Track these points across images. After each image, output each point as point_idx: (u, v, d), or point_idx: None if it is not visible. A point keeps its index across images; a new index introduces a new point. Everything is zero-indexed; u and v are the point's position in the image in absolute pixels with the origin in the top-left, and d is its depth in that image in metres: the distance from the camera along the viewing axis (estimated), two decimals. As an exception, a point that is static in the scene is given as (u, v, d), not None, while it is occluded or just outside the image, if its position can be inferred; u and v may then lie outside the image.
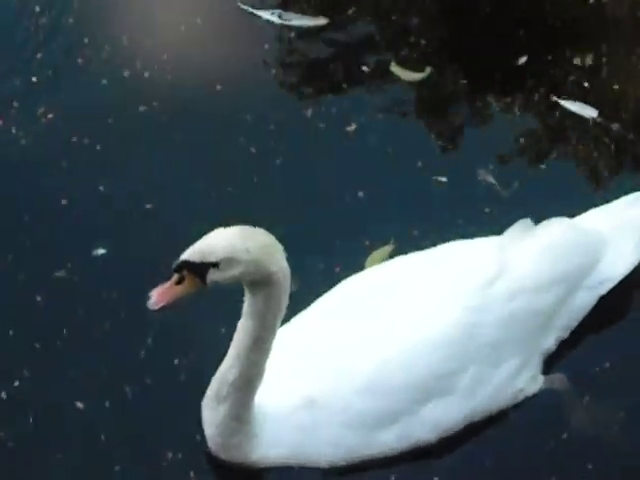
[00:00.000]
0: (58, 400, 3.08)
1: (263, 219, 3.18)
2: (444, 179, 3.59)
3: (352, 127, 3.74)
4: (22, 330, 3.24)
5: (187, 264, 2.57)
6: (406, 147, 3.66)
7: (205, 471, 2.99)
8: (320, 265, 3.26)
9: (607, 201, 3.22)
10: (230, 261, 2.54)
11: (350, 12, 4.14)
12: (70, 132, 3.72)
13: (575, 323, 3.07)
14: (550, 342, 3.02)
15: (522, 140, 3.77)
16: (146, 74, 3.91)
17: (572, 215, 3.16)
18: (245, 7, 4.06)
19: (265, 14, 4.03)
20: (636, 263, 3.15)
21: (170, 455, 2.94)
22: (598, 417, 3.05)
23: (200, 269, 2.57)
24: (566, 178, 3.59)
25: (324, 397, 2.81)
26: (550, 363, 3.08)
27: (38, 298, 3.27)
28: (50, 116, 3.79)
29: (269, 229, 2.89)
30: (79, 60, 3.97)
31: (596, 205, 3.21)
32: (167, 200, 3.53)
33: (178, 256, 2.58)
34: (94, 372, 3.09)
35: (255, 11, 4.04)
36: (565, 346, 3.11)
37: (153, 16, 4.20)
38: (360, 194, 3.54)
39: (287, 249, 2.83)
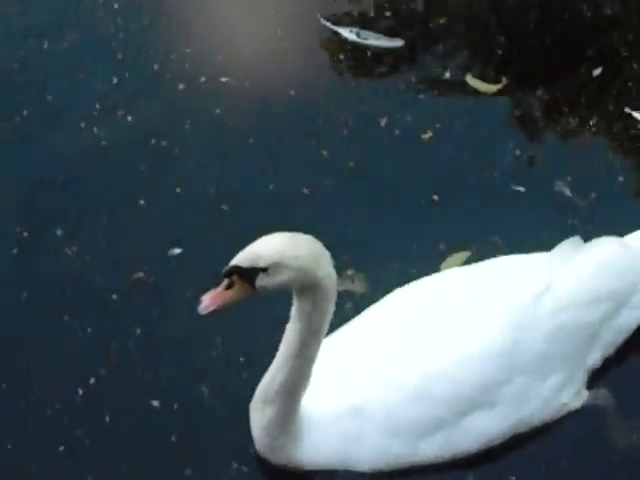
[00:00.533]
0: (133, 398, 3.19)
1: (338, 223, 3.43)
2: (521, 189, 3.59)
3: (428, 134, 3.82)
4: (99, 329, 3.34)
5: (237, 269, 2.63)
6: (482, 156, 3.72)
7: (252, 471, 3.09)
8: (396, 267, 3.35)
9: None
10: (279, 267, 2.61)
11: (426, 31, 4.30)
12: (149, 134, 3.87)
13: (620, 340, 3.14)
14: (595, 358, 3.10)
15: (597, 152, 3.74)
16: (223, 79, 4.04)
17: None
18: (326, 23, 4.23)
19: (344, 31, 4.18)
20: None
21: (223, 457, 3.05)
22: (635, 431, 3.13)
23: (249, 274, 2.64)
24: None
25: (370, 405, 2.90)
26: (595, 379, 3.16)
27: (114, 296, 3.39)
28: (129, 118, 3.93)
29: (344, 232, 2.96)
30: (157, 66, 4.13)
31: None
32: (241, 203, 3.58)
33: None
34: (168, 371, 3.20)
35: (335, 27, 4.19)
36: (610, 363, 3.18)
37: (234, 25, 4.37)
38: (435, 198, 3.61)
39: (362, 252, 2.90)
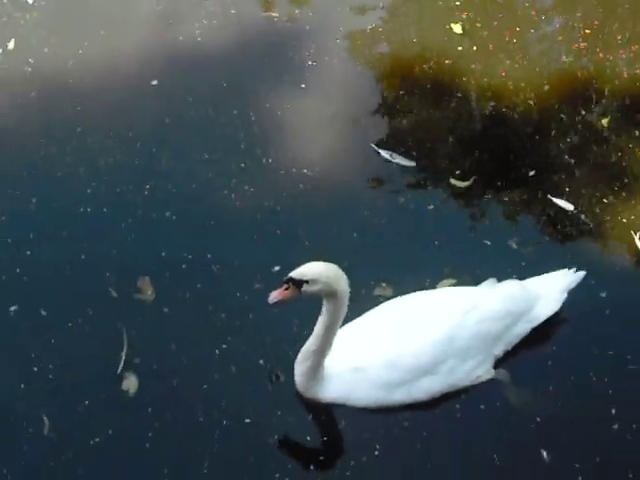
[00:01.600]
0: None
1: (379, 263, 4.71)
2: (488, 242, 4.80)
3: (431, 207, 5.06)
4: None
5: (292, 279, 3.80)
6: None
7: (294, 403, 4.18)
8: (408, 282, 4.49)
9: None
10: (315, 281, 3.79)
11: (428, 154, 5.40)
12: (264, 200, 5.06)
13: (516, 342, 4.32)
14: (499, 350, 4.28)
15: (529, 224, 4.97)
16: (293, 169, 5.20)
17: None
18: (373, 146, 5.34)
19: (384, 153, 5.31)
20: (555, 310, 4.38)
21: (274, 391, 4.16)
22: (523, 396, 4.20)
23: (298, 283, 3.81)
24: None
25: (364, 367, 4.07)
26: (498, 362, 4.29)
27: (257, 286, 4.53)
28: (252, 190, 5.13)
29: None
30: (234, 195, 5.13)
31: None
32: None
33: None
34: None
35: (378, 149, 5.31)
36: (508, 354, 4.32)
37: (297, 132, 5.43)
38: (436, 243, 4.80)
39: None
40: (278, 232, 4.98)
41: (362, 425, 4.13)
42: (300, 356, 4.10)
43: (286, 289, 3.85)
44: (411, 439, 4.09)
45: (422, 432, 4.12)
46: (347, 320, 4.16)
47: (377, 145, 5.36)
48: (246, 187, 5.17)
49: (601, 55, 5.90)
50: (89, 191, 5.14)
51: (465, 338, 4.17)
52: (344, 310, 3.98)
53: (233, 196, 5.12)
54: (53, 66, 5.78)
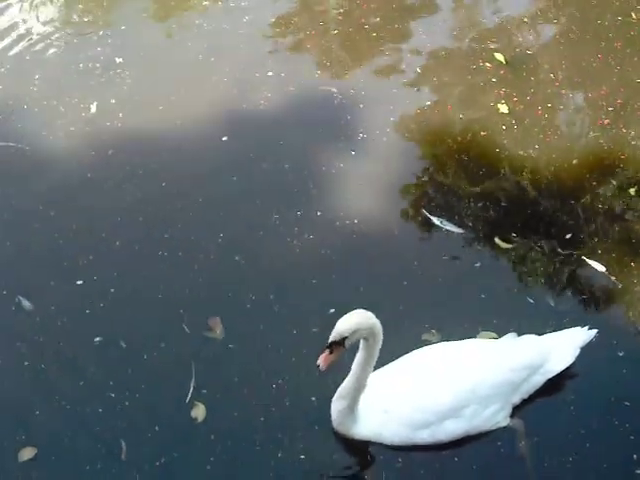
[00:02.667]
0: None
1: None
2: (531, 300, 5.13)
3: (478, 264, 5.41)
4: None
5: (334, 343, 4.05)
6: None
7: (330, 438, 4.51)
8: (452, 331, 4.83)
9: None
10: (355, 332, 4.08)
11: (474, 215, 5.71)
12: (321, 248, 5.44)
13: (533, 391, 4.58)
14: (517, 399, 4.54)
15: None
16: (347, 222, 5.58)
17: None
18: (425, 212, 5.67)
19: (435, 219, 5.62)
20: (569, 364, 4.64)
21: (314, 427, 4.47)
22: (533, 444, 4.45)
23: (341, 342, 4.09)
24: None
25: (394, 409, 4.37)
26: (515, 411, 4.57)
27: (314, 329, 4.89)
28: (311, 237, 5.53)
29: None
30: (320, 212, 5.65)
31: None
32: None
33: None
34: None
35: (429, 215, 5.64)
36: (525, 403, 4.61)
37: (350, 190, 5.84)
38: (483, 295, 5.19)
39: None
40: (334, 277, 5.38)
41: (391, 460, 4.48)
42: (337, 394, 4.39)
43: (330, 352, 4.14)
44: (433, 475, 4.45)
45: (443, 469, 4.46)
46: (389, 360, 4.56)
47: (427, 210, 5.72)
48: (306, 235, 5.58)
49: (624, 130, 6.25)
50: (166, 236, 5.61)
51: (487, 387, 4.46)
52: (379, 346, 4.28)
53: (295, 242, 5.54)
54: (132, 125, 6.29)
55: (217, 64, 6.67)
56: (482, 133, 6.19)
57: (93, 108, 6.38)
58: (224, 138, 6.21)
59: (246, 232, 5.63)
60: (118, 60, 6.76)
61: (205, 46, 6.85)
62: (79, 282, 5.35)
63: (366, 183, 5.89)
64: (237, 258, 5.50)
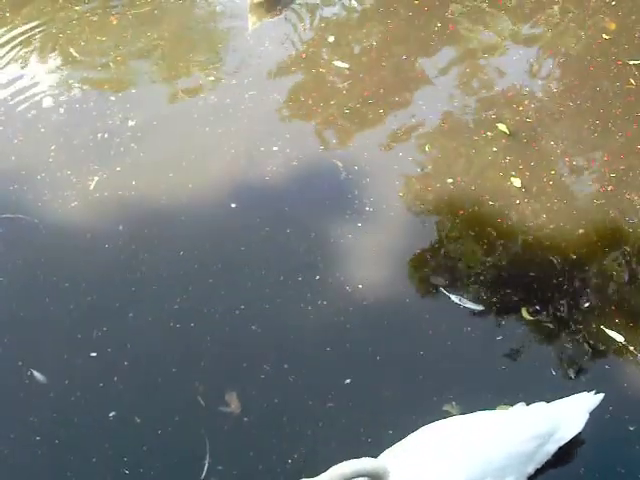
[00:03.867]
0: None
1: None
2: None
3: (500, 337, 5.45)
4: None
5: None
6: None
7: None
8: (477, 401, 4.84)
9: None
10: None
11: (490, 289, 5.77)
12: (334, 315, 5.49)
13: (545, 459, 4.63)
14: (531, 469, 4.61)
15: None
16: (360, 286, 5.63)
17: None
18: (443, 290, 5.68)
19: (454, 297, 5.64)
20: (579, 430, 4.69)
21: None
22: None
23: None
24: None
25: None
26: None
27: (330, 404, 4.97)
28: (325, 303, 5.57)
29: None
30: (332, 279, 5.69)
31: None
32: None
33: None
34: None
35: (447, 293, 5.64)
36: (538, 472, 4.66)
37: (359, 260, 5.86)
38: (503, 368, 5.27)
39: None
40: (348, 346, 5.41)
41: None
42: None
43: None
44: None
45: None
46: (410, 431, 4.56)
47: (443, 286, 5.76)
48: (319, 302, 5.62)
49: (628, 196, 6.34)
50: (176, 307, 5.63)
51: (501, 458, 4.50)
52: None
53: (309, 308, 5.58)
54: (144, 192, 6.35)
55: (223, 137, 6.75)
56: (490, 203, 6.25)
57: (102, 177, 6.43)
58: (233, 205, 6.27)
59: (258, 300, 5.66)
60: (130, 124, 6.86)
61: (211, 119, 6.94)
62: (93, 354, 5.36)
63: (375, 255, 5.91)
64: (253, 327, 5.52)
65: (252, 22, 7.94)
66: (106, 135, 6.77)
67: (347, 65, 7.48)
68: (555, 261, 5.95)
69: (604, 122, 6.92)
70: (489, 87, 7.38)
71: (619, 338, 5.45)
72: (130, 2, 7.97)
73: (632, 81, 7.31)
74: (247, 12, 8.00)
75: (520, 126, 6.89)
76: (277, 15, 8.08)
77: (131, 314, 5.61)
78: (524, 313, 5.59)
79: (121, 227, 6.13)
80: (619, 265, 5.95)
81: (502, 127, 6.86)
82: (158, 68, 7.49)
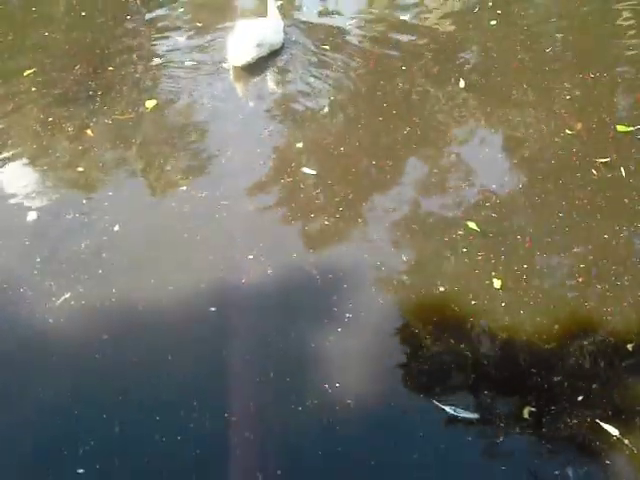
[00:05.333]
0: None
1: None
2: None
3: (500, 439, 5.42)
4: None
5: None
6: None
7: None
8: None
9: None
10: None
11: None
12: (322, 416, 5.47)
13: None
14: None
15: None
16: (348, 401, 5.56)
17: None
18: (435, 402, 5.55)
19: (448, 408, 5.49)
20: None
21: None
22: None
23: None
24: None
25: None
26: None
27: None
28: (299, 408, 5.45)
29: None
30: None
31: None
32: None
33: None
34: None
35: (440, 405, 5.50)
36: None
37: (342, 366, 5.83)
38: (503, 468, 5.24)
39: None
40: (339, 449, 5.31)
41: None
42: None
43: None
44: None
45: None
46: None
47: (436, 399, 5.64)
48: (308, 403, 5.57)
49: (599, 286, 6.40)
50: (159, 419, 5.55)
51: None
52: None
53: (299, 408, 5.53)
54: (126, 300, 6.35)
55: (200, 245, 6.79)
56: (473, 303, 6.27)
57: (83, 286, 6.44)
58: (212, 309, 6.29)
59: (248, 406, 5.60)
60: (106, 232, 6.91)
61: (188, 226, 7.02)
62: (80, 470, 5.26)
63: (358, 361, 5.89)
64: (246, 435, 5.44)
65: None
66: (83, 245, 6.84)
67: (314, 172, 7.58)
68: (543, 357, 5.95)
69: (569, 214, 7.00)
70: (457, 186, 7.50)
71: (614, 432, 5.43)
72: (107, 112, 8.17)
73: (594, 172, 7.48)
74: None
75: (489, 223, 7.01)
76: (246, 124, 8.26)
77: (117, 429, 5.53)
78: (525, 414, 5.59)
79: (105, 339, 6.11)
80: (604, 355, 5.96)
81: (472, 225, 6.97)
82: (134, 175, 7.65)
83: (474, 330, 6.17)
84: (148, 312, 6.24)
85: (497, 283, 6.45)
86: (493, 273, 6.52)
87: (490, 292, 6.36)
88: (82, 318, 6.22)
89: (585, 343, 6.04)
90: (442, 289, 6.38)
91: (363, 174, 7.62)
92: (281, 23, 9.44)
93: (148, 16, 10.29)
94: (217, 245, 6.83)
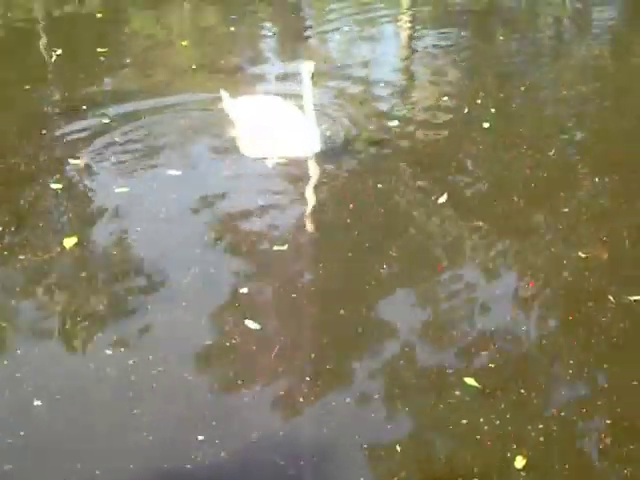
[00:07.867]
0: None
1: None
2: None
3: None
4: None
5: None
6: None
7: None
8: None
9: None
10: None
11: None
12: None
13: None
14: None
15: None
16: None
17: None
18: None
19: None
20: None
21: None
22: None
23: None
24: None
25: None
26: None
27: None
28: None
29: None
30: None
31: None
32: None
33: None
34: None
35: None
36: None
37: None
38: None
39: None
40: None
41: None
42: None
43: None
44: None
45: None
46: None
47: None
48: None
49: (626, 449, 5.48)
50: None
51: None
52: None
53: None
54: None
55: (141, 418, 5.53)
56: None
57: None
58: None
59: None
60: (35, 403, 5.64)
61: (132, 379, 5.85)
62: None
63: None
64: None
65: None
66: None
67: (259, 326, 6.33)
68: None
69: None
70: (448, 335, 6.49)
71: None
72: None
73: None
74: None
75: (488, 376, 5.98)
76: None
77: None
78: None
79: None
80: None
81: (470, 381, 5.93)
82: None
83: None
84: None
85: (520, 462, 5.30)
86: (515, 448, 5.39)
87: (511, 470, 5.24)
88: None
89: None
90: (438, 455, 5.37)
91: (331, 325, 6.39)
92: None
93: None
94: (161, 421, 5.54)
